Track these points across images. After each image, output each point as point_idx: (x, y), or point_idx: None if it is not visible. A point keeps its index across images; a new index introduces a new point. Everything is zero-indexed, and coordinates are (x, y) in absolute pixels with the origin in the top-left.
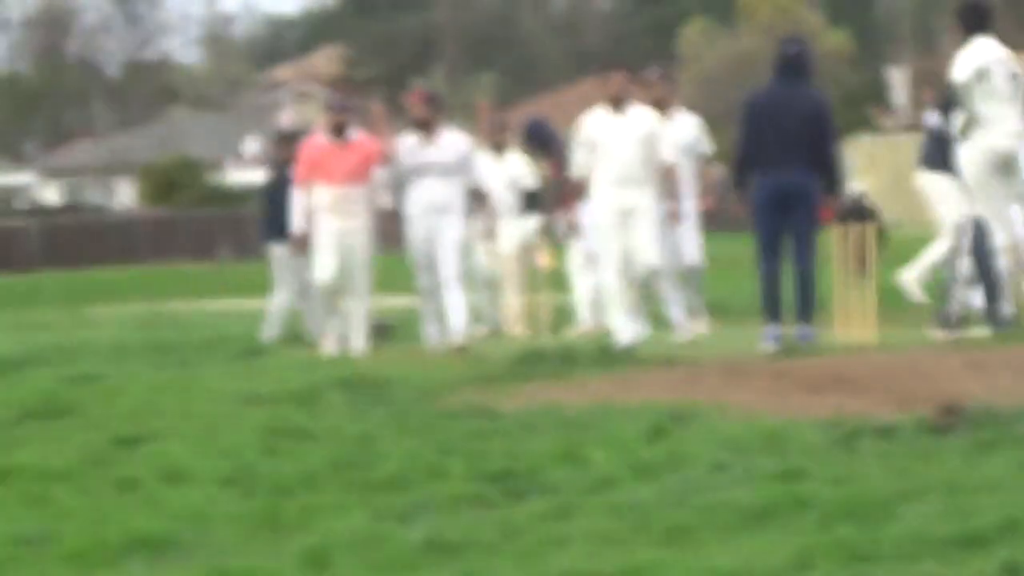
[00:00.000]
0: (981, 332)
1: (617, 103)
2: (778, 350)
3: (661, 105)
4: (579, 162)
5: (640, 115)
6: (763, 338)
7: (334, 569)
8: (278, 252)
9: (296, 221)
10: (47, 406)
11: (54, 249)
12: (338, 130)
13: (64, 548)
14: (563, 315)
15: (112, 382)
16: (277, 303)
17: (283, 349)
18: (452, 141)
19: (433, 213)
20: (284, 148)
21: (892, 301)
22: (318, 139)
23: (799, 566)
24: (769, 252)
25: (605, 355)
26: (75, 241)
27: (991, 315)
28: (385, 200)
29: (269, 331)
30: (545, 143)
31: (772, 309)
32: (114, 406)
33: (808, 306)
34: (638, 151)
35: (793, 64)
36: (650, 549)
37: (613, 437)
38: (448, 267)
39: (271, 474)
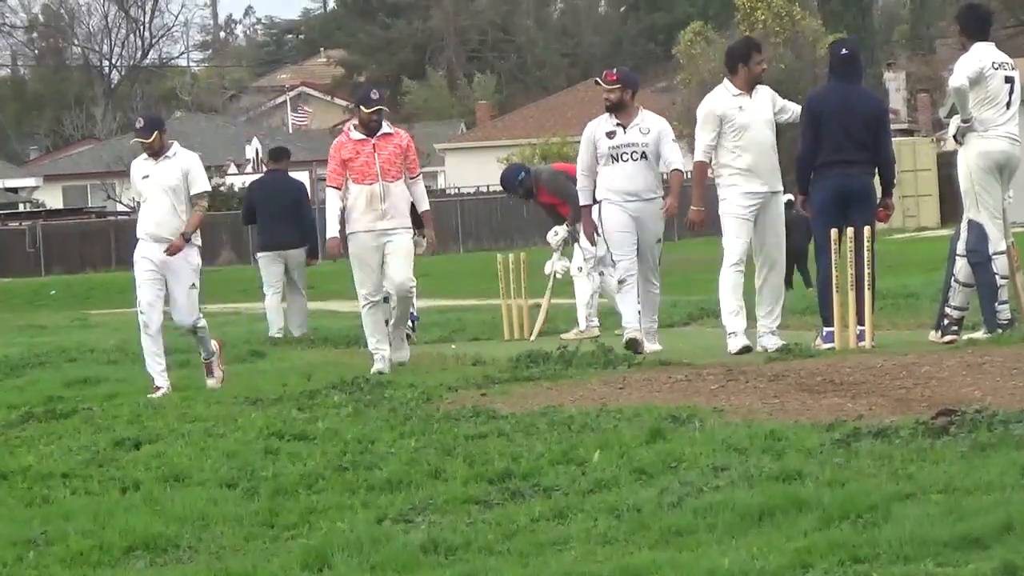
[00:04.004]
0: (978, 335)
1: (752, 86)
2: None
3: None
4: (705, 143)
5: (764, 97)
6: (822, 337)
7: (334, 570)
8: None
9: (331, 226)
10: (49, 408)
11: (56, 252)
12: (371, 125)
13: (66, 549)
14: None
15: (114, 384)
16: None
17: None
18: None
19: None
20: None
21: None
22: (348, 136)
23: (797, 567)
24: (830, 252)
25: (604, 357)
26: (77, 244)
27: (988, 318)
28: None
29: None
30: (522, 190)
31: (831, 309)
32: (116, 408)
33: (863, 307)
34: (769, 136)
35: (846, 64)
36: (648, 550)
37: (612, 439)
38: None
39: (272, 476)
